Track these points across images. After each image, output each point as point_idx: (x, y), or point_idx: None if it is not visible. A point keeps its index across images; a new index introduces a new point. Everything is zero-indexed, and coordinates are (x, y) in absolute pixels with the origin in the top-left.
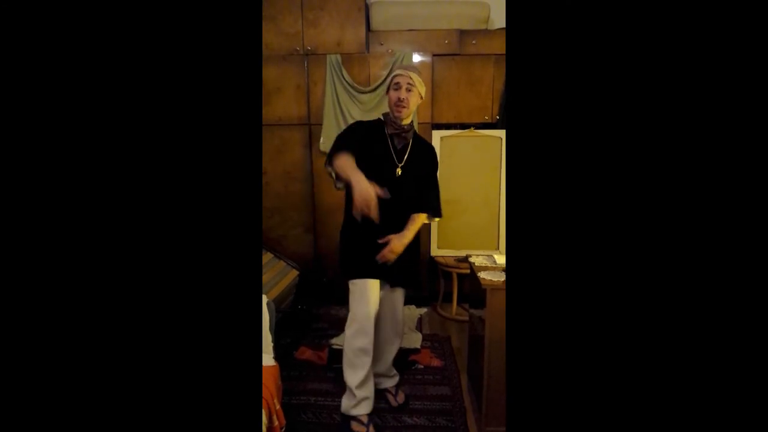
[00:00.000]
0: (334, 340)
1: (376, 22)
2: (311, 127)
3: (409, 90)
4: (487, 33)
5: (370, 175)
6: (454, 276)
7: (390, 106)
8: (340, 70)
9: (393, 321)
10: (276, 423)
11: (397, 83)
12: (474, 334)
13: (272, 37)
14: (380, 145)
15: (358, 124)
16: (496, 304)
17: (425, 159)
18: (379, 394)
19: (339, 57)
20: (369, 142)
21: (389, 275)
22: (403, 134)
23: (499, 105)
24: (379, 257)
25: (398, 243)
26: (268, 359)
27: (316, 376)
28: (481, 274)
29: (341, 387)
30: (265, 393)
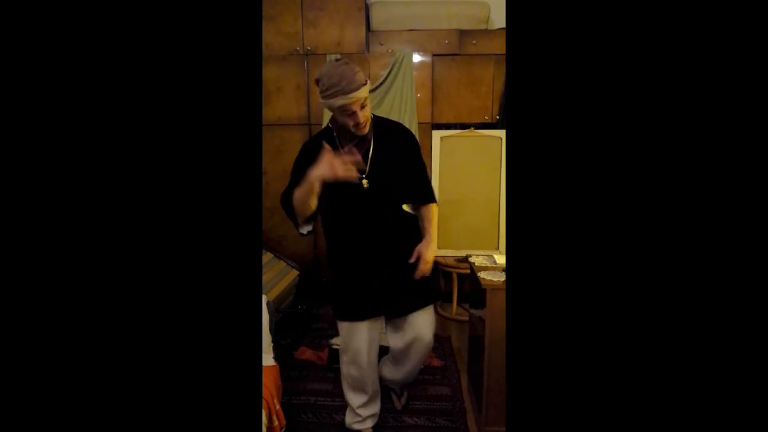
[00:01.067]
0: (334, 340)
1: (376, 22)
2: (311, 127)
3: (363, 107)
4: (487, 33)
5: (336, 200)
6: (454, 276)
7: (348, 128)
8: None
9: (417, 343)
10: (276, 423)
11: (348, 110)
12: (474, 334)
13: (272, 37)
14: None
15: (303, 151)
16: (496, 304)
17: (397, 145)
18: (385, 391)
19: (339, 57)
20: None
21: (386, 307)
22: (364, 139)
23: (499, 105)
24: (416, 276)
25: (429, 252)
26: (268, 359)
27: (316, 376)
28: (481, 274)
29: (341, 387)
30: (265, 393)
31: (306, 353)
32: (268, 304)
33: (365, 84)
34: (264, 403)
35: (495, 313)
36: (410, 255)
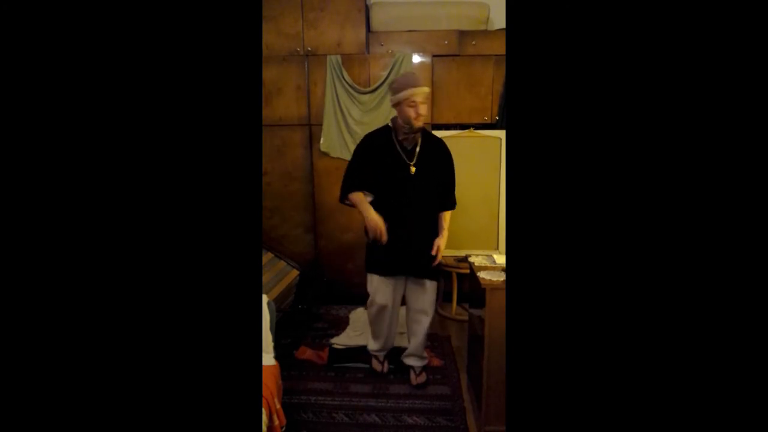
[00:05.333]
0: (334, 340)
1: (376, 22)
2: (311, 128)
3: (424, 102)
4: (486, 34)
5: (386, 181)
6: (454, 276)
7: (407, 118)
8: (341, 71)
9: (422, 314)
10: (276, 422)
11: (414, 102)
12: (473, 334)
13: (272, 38)
14: (389, 152)
15: (365, 140)
16: (496, 304)
17: (439, 153)
18: (405, 370)
19: (339, 58)
20: (378, 154)
21: (407, 268)
22: (413, 136)
23: (498, 105)
24: (434, 263)
25: (443, 244)
26: (268, 359)
27: (316, 375)
28: (481, 274)
29: (341, 386)
30: (265, 392)
31: (306, 353)
32: (268, 303)
33: (426, 87)
34: (264, 402)
35: (494, 313)
36: (432, 233)
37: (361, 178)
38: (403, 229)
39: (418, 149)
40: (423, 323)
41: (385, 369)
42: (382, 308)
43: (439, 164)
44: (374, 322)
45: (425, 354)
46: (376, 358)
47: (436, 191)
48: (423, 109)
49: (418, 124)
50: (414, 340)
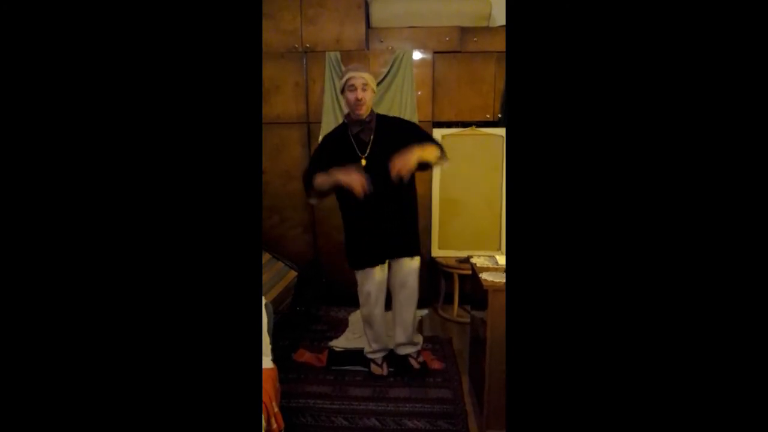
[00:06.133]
0: (333, 342)
1: (376, 19)
2: (310, 126)
3: (364, 89)
4: (488, 30)
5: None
6: (455, 277)
7: (349, 106)
8: (340, 68)
9: (402, 289)
10: (275, 426)
11: (352, 85)
12: (475, 336)
13: (271, 35)
14: (344, 146)
15: (324, 140)
16: (498, 306)
17: (395, 131)
18: (403, 359)
19: (338, 54)
20: (335, 149)
21: (385, 255)
22: (367, 127)
23: (500, 103)
24: (392, 174)
25: (405, 157)
26: (266, 361)
27: (315, 378)
28: (483, 275)
29: (340, 389)
30: (263, 396)
31: (305, 355)
32: (266, 305)
33: (370, 73)
34: (262, 406)
35: (496, 315)
36: (400, 213)
37: (320, 163)
38: (367, 221)
39: (372, 137)
40: (406, 303)
41: (385, 371)
42: (372, 294)
43: (397, 144)
44: (368, 313)
45: (417, 339)
46: (375, 362)
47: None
48: (364, 96)
49: (360, 111)
50: (400, 330)
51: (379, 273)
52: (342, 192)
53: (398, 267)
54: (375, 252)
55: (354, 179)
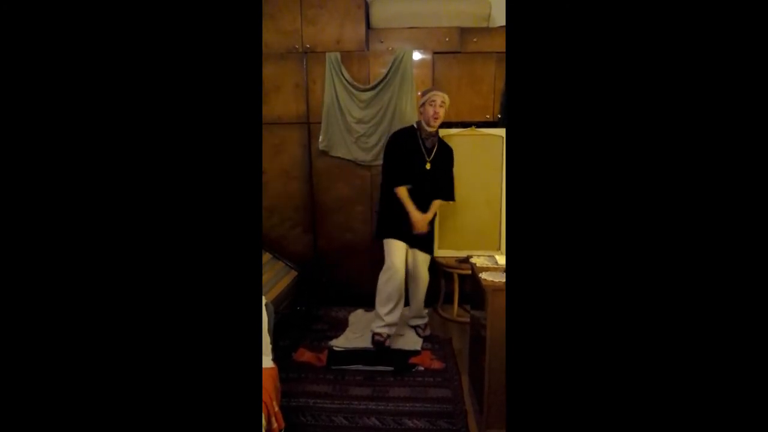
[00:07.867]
0: (333, 342)
1: (376, 19)
2: (310, 126)
3: (441, 106)
4: (488, 31)
5: (409, 169)
6: (455, 277)
7: (426, 118)
8: (340, 68)
9: (415, 273)
10: (275, 425)
11: (434, 101)
12: (475, 336)
13: (271, 35)
14: (414, 146)
15: (395, 138)
16: (498, 305)
17: (446, 156)
18: (411, 329)
19: (338, 55)
20: (406, 147)
21: (411, 240)
22: (432, 138)
23: (500, 103)
24: (416, 231)
25: (423, 220)
26: (266, 361)
27: (315, 377)
28: (483, 275)
29: (340, 389)
30: (263, 395)
31: (305, 355)
32: (267, 305)
33: (446, 95)
34: (263, 405)
35: (496, 314)
36: (431, 223)
37: (402, 172)
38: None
39: (434, 150)
40: (420, 287)
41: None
42: (397, 270)
43: (445, 165)
44: (387, 286)
45: (424, 313)
46: (380, 335)
47: (439, 185)
48: (441, 112)
49: (435, 124)
50: (414, 303)
51: (402, 250)
52: (405, 174)
53: (416, 257)
54: (404, 232)
55: (418, 220)
